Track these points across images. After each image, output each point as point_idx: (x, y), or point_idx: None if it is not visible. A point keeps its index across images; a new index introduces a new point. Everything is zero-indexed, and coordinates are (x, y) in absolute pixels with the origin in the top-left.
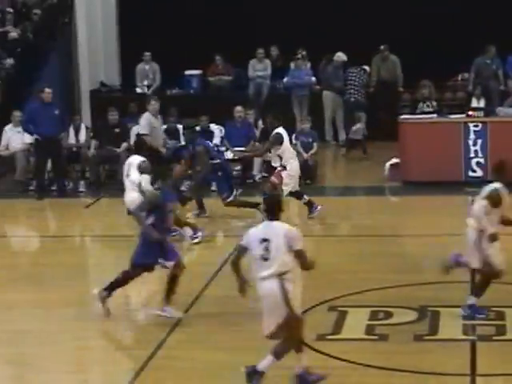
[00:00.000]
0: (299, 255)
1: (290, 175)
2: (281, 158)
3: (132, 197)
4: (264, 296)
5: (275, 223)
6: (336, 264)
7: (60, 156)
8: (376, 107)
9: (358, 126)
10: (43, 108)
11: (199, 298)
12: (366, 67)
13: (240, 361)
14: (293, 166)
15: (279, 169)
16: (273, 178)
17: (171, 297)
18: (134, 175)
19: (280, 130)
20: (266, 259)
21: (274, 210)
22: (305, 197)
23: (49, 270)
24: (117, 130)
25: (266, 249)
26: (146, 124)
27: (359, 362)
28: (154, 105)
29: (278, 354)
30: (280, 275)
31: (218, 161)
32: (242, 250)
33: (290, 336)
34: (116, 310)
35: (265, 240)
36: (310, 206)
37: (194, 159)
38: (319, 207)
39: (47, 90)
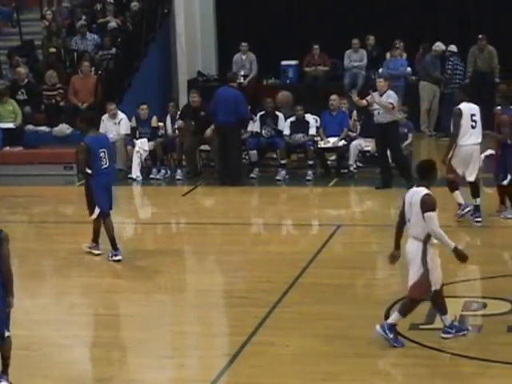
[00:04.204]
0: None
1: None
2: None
3: None
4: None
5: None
6: None
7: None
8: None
9: None
10: None
11: (294, 285)
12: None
13: (334, 349)
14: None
15: None
16: None
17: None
18: None
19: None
20: (408, 220)
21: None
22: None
23: (149, 258)
24: (202, 114)
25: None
26: None
27: (452, 352)
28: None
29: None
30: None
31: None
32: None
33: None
34: (213, 297)
35: (410, 204)
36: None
37: None
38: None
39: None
